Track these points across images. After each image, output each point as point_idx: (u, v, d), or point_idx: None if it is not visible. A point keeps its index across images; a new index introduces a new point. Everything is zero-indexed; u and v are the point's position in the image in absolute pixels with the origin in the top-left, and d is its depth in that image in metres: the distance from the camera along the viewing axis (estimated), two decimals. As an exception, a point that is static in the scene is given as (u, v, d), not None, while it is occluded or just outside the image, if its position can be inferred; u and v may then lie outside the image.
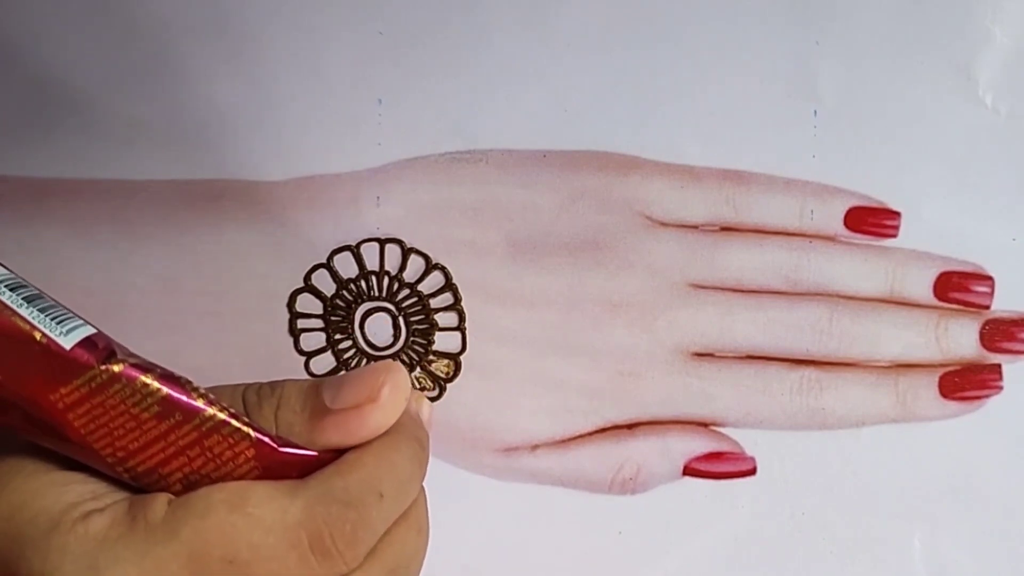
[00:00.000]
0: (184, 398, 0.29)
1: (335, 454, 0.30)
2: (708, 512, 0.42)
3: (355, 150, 0.41)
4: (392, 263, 0.41)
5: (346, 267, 0.41)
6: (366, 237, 0.41)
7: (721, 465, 0.42)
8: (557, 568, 0.42)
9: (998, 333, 0.41)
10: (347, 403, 0.30)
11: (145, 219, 0.41)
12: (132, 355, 0.29)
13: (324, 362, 0.42)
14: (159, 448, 0.28)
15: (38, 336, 0.28)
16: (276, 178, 0.41)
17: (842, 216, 0.41)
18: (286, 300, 0.41)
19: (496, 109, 0.41)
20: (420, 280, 0.41)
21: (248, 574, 0.27)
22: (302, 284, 0.41)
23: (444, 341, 0.42)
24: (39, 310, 0.28)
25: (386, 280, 0.41)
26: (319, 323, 0.42)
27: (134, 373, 0.28)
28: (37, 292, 0.29)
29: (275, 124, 0.41)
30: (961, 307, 0.41)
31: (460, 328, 0.41)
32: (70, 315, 0.29)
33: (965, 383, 0.41)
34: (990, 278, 0.41)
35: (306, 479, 0.29)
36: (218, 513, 0.27)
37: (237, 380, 0.41)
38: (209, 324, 0.41)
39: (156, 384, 0.28)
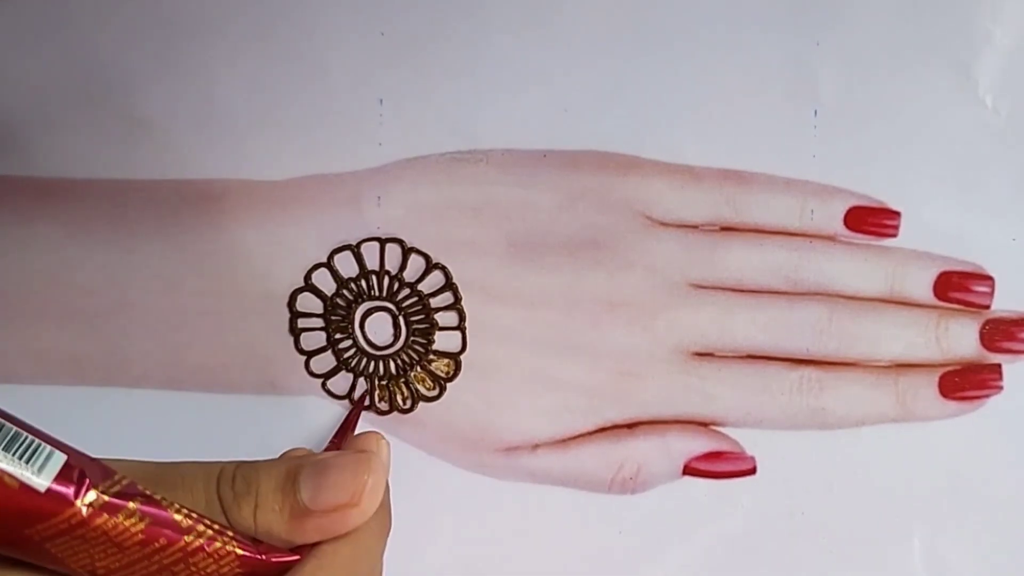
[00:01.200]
0: (168, 521, 0.28)
1: (310, 548, 0.31)
2: (708, 512, 0.41)
3: (356, 150, 0.41)
4: (392, 263, 0.41)
5: (346, 266, 0.41)
6: (366, 236, 0.41)
7: (721, 465, 0.41)
8: (557, 568, 0.42)
9: (998, 333, 0.41)
10: (327, 506, 0.30)
11: (145, 219, 0.41)
12: (109, 476, 0.28)
13: (324, 361, 0.42)
14: (142, 567, 0.28)
15: (7, 480, 0.27)
16: (277, 177, 0.41)
17: (842, 216, 0.41)
18: (286, 299, 0.41)
19: (496, 109, 0.41)
20: (420, 280, 0.41)
21: None
22: (302, 283, 0.41)
23: (444, 341, 0.42)
24: (3, 448, 0.27)
25: (386, 280, 0.41)
26: (319, 322, 0.41)
27: (116, 504, 0.28)
28: (1, 422, 0.28)
29: (276, 124, 0.41)
30: (961, 307, 0.41)
31: (460, 328, 0.41)
32: (39, 444, 0.28)
33: (965, 383, 0.41)
34: (990, 278, 0.41)
35: None
36: None
37: (238, 380, 0.42)
38: (209, 323, 0.41)
39: (138, 514, 0.28)
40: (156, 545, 0.28)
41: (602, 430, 0.41)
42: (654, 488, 0.41)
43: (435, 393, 0.42)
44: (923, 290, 0.41)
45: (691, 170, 0.41)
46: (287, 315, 0.41)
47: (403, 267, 0.41)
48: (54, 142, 0.41)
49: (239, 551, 0.29)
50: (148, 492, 0.29)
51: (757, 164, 0.41)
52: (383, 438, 0.35)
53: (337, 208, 0.41)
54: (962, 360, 0.41)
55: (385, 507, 0.32)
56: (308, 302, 0.41)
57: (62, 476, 0.27)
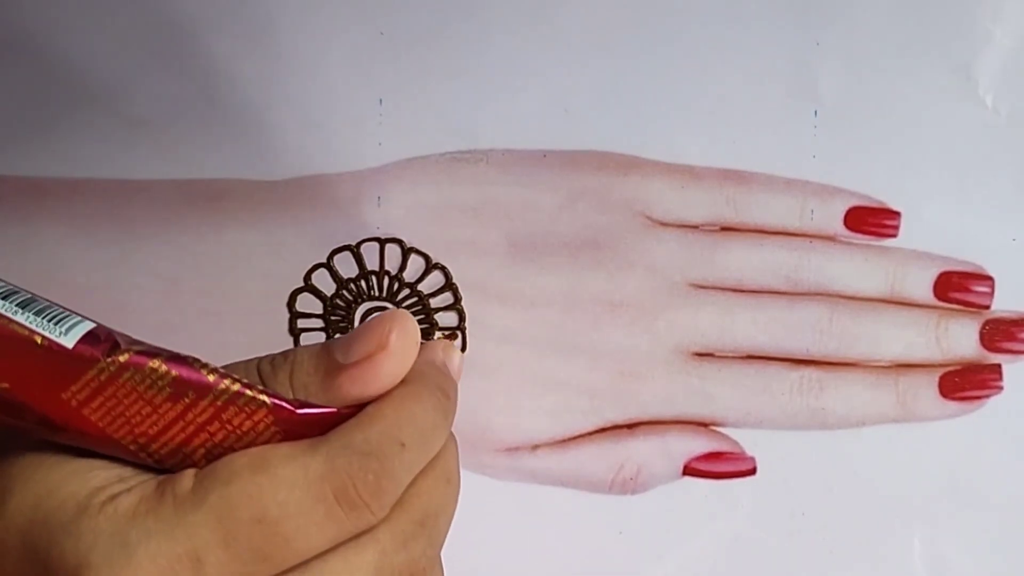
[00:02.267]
0: (195, 376, 0.28)
1: (355, 410, 0.30)
2: (708, 512, 0.41)
3: (356, 150, 0.41)
4: (392, 263, 0.41)
5: (346, 267, 0.41)
6: (366, 237, 0.41)
7: (721, 465, 0.41)
8: (557, 568, 0.42)
9: (998, 333, 0.41)
10: (358, 356, 0.30)
11: (146, 218, 0.41)
12: (136, 342, 0.29)
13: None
14: (179, 428, 0.28)
15: (39, 340, 0.27)
16: (277, 178, 0.41)
17: (842, 216, 0.41)
18: (286, 300, 0.41)
19: (496, 109, 0.40)
20: (420, 280, 0.41)
21: (278, 531, 0.27)
22: (302, 284, 0.41)
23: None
24: (35, 314, 0.28)
25: (386, 280, 0.41)
26: (319, 323, 0.41)
27: (141, 360, 0.28)
28: (30, 296, 0.29)
29: (276, 124, 0.40)
30: (961, 307, 0.41)
31: (460, 328, 0.41)
32: (67, 313, 0.28)
33: (965, 383, 0.41)
34: (990, 278, 0.41)
35: (326, 435, 0.28)
36: (242, 477, 0.27)
37: (237, 380, 0.42)
38: (210, 323, 0.41)
39: (164, 367, 0.28)
40: (186, 401, 0.28)
41: (602, 430, 0.41)
42: (654, 488, 0.41)
43: (435, 393, 0.41)
44: (923, 290, 0.41)
45: (691, 170, 0.41)
46: (287, 315, 0.41)
47: (403, 267, 0.41)
48: (54, 141, 0.41)
49: (270, 401, 0.29)
50: (176, 352, 0.29)
51: (757, 164, 0.40)
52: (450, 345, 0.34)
53: (337, 208, 0.41)
54: (962, 360, 0.41)
55: (442, 389, 0.31)
56: (308, 302, 0.41)
57: (88, 337, 0.28)
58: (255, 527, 0.27)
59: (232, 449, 0.29)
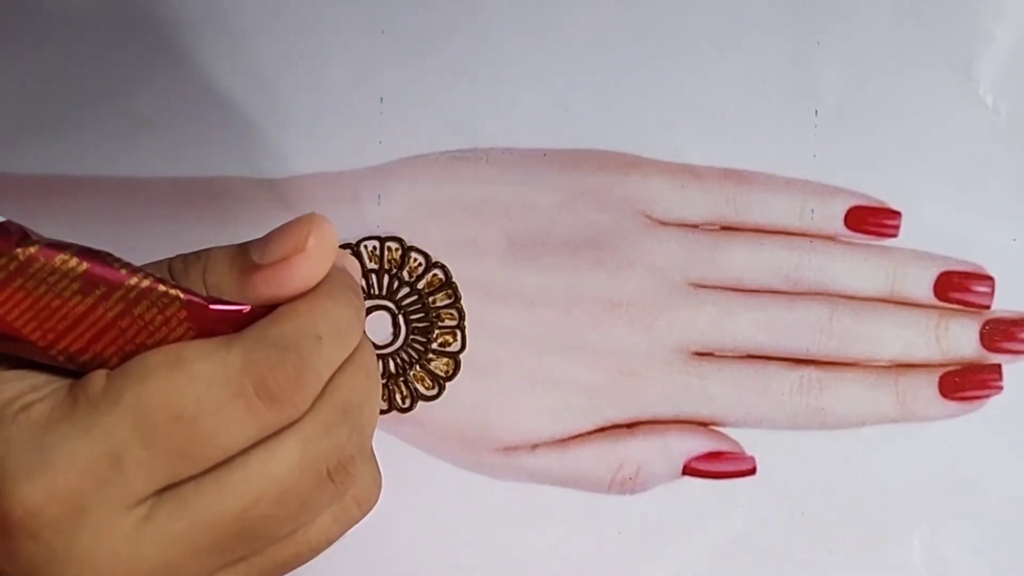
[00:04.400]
0: (106, 270, 0.27)
1: (268, 309, 0.29)
2: (708, 512, 0.41)
3: (356, 148, 0.40)
4: (392, 261, 0.41)
5: (346, 265, 0.41)
6: (366, 235, 0.41)
7: (721, 465, 0.41)
8: (557, 568, 0.42)
9: (998, 333, 0.40)
10: (274, 256, 0.29)
11: (147, 216, 0.41)
12: (48, 239, 0.28)
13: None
14: (88, 324, 0.27)
15: None
16: (278, 176, 0.40)
17: (842, 216, 0.40)
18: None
19: (497, 108, 0.40)
20: (420, 278, 0.41)
21: (197, 428, 0.27)
22: (302, 282, 0.41)
23: (443, 340, 0.41)
24: None
25: (386, 278, 0.41)
26: (319, 321, 0.41)
27: (50, 252, 0.27)
28: None
29: (277, 122, 0.40)
30: (961, 307, 0.40)
31: (460, 327, 0.41)
32: None
33: (965, 383, 0.40)
34: (990, 278, 0.40)
35: (241, 332, 0.28)
36: (157, 374, 0.27)
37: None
38: (209, 321, 0.41)
39: (75, 260, 0.27)
40: (96, 294, 0.27)
41: (602, 430, 0.41)
42: (654, 488, 0.41)
43: (434, 392, 0.41)
44: (923, 290, 0.40)
45: (692, 169, 0.40)
46: (287, 313, 0.41)
47: (402, 266, 0.41)
48: (55, 139, 0.41)
49: (183, 296, 0.28)
50: (87, 247, 0.28)
51: (758, 163, 0.40)
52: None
53: (337, 206, 0.40)
54: (962, 360, 0.40)
55: (352, 287, 0.31)
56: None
57: None
58: (174, 425, 0.26)
59: (144, 346, 0.28)
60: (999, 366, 0.40)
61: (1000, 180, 0.40)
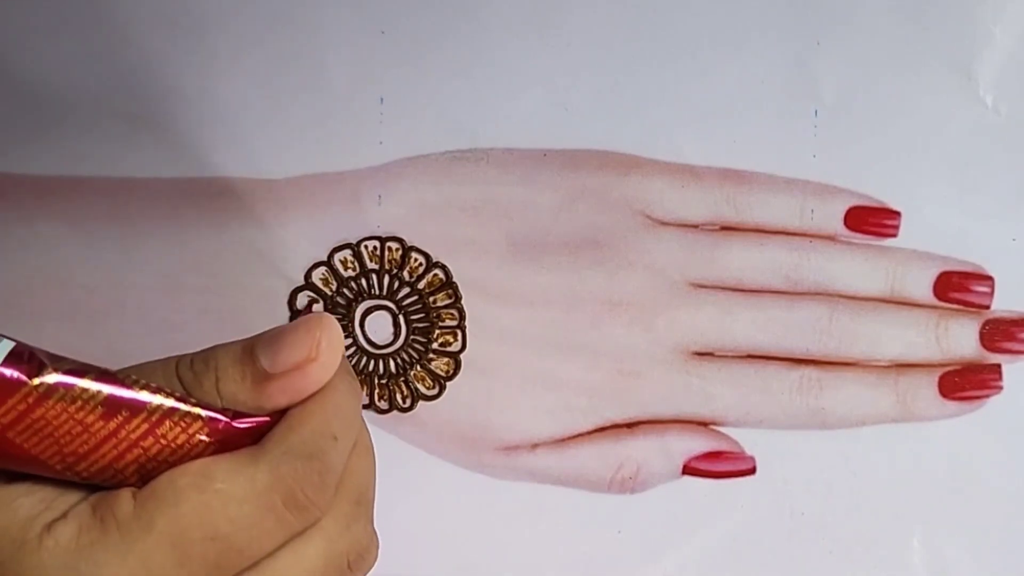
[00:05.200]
0: (127, 393, 0.27)
1: (281, 414, 0.29)
2: (708, 511, 0.41)
3: (357, 148, 0.40)
4: (392, 261, 0.41)
5: (347, 265, 0.41)
6: (367, 235, 0.40)
7: (721, 464, 0.41)
8: (557, 567, 0.41)
9: (998, 333, 0.40)
10: (287, 366, 0.29)
11: (146, 217, 0.40)
12: (61, 359, 0.27)
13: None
14: (111, 446, 0.27)
15: None
16: (277, 176, 0.40)
17: (842, 216, 0.40)
18: (287, 298, 0.41)
19: (497, 108, 0.40)
20: (420, 278, 0.41)
21: (231, 546, 0.27)
22: (302, 282, 0.41)
23: (444, 339, 0.41)
24: None
25: (386, 278, 0.41)
26: (319, 321, 0.41)
27: (70, 380, 0.27)
28: None
29: (277, 122, 0.40)
30: (961, 307, 0.40)
31: (460, 327, 0.41)
32: None
33: (965, 383, 0.40)
34: (990, 278, 0.40)
35: (263, 444, 0.28)
36: (189, 497, 0.27)
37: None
38: (209, 322, 0.41)
39: (95, 386, 0.27)
40: (119, 419, 0.27)
41: (602, 429, 0.41)
42: (654, 488, 0.41)
43: (435, 392, 0.41)
44: (923, 290, 0.40)
45: (691, 169, 0.40)
46: (287, 313, 0.41)
47: (403, 266, 0.41)
48: (55, 140, 0.40)
49: (204, 414, 0.28)
50: (104, 369, 0.27)
51: (757, 163, 0.40)
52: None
53: (337, 206, 0.40)
54: (962, 360, 0.40)
55: (348, 370, 0.31)
56: (308, 300, 0.41)
57: (12, 358, 0.26)
58: (209, 544, 0.27)
59: (166, 463, 0.28)
60: (999, 366, 0.40)
61: (1000, 180, 0.40)
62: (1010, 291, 0.40)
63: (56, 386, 0.26)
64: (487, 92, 0.40)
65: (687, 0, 0.39)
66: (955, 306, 0.40)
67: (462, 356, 0.41)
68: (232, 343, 0.30)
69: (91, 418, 0.27)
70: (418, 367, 0.41)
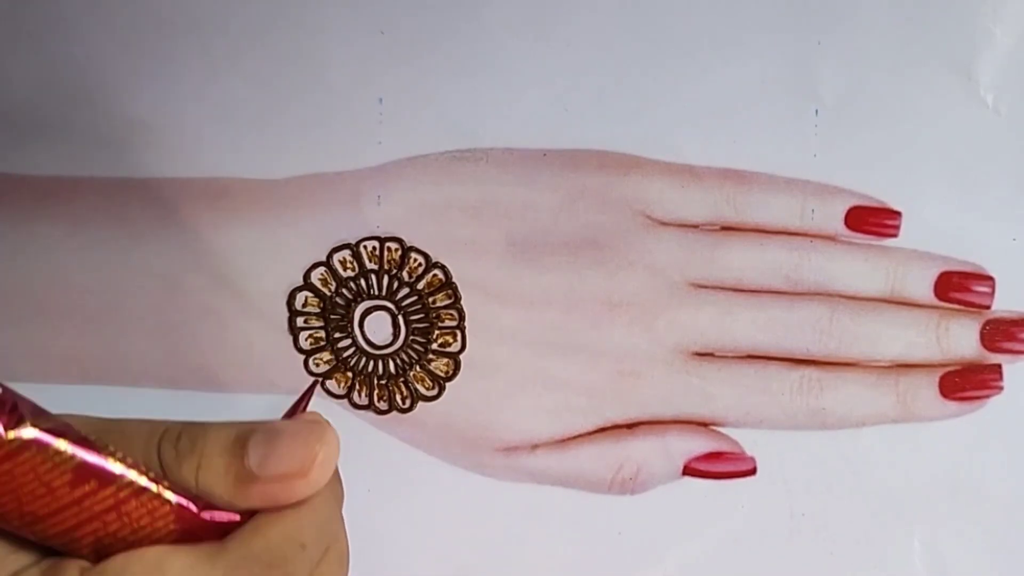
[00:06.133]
0: (100, 463, 0.26)
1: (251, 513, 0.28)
2: (708, 512, 0.40)
3: (356, 149, 0.40)
4: (392, 262, 0.41)
5: (346, 265, 0.41)
6: (366, 235, 0.40)
7: (721, 465, 0.41)
8: (557, 568, 0.41)
9: (999, 333, 0.40)
10: (274, 473, 0.27)
11: (146, 217, 0.40)
12: (41, 413, 0.26)
13: (323, 360, 0.41)
14: (72, 513, 0.26)
15: None
16: (277, 176, 0.40)
17: (843, 216, 0.40)
18: (285, 298, 0.41)
19: (496, 108, 0.39)
20: (420, 279, 0.41)
21: None
22: (301, 282, 0.40)
23: (443, 340, 0.41)
24: None
25: (386, 279, 0.41)
26: (319, 321, 0.41)
27: (46, 439, 0.26)
28: None
29: (276, 122, 0.40)
30: (962, 307, 0.40)
31: (460, 327, 0.41)
32: None
33: (965, 383, 0.40)
34: (991, 278, 0.40)
35: (225, 543, 0.27)
36: None
37: (237, 379, 0.41)
38: (209, 322, 0.40)
39: (70, 450, 0.26)
40: (86, 488, 0.26)
41: (602, 430, 0.41)
42: (654, 488, 0.41)
43: (434, 393, 0.41)
44: (924, 290, 0.40)
45: (692, 169, 0.40)
46: (286, 314, 0.41)
47: (402, 266, 0.41)
48: (53, 141, 0.40)
49: (174, 500, 0.27)
50: (84, 435, 0.26)
51: (758, 163, 0.40)
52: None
53: (337, 207, 0.40)
54: (962, 360, 0.40)
55: (336, 478, 0.30)
56: (307, 301, 0.41)
57: None
58: None
59: (124, 541, 0.27)
60: (999, 366, 0.40)
61: (1000, 180, 0.39)
62: (1010, 291, 0.40)
63: (30, 443, 0.25)
64: (486, 92, 0.40)
65: (687, 1, 0.39)
66: (955, 306, 0.40)
67: (462, 356, 0.41)
68: (225, 426, 0.28)
69: (59, 482, 0.26)
70: (418, 367, 0.41)
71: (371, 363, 0.41)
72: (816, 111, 0.39)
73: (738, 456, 0.40)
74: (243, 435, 0.28)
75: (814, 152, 0.40)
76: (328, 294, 0.40)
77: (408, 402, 0.41)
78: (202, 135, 0.40)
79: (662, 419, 0.40)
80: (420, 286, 0.40)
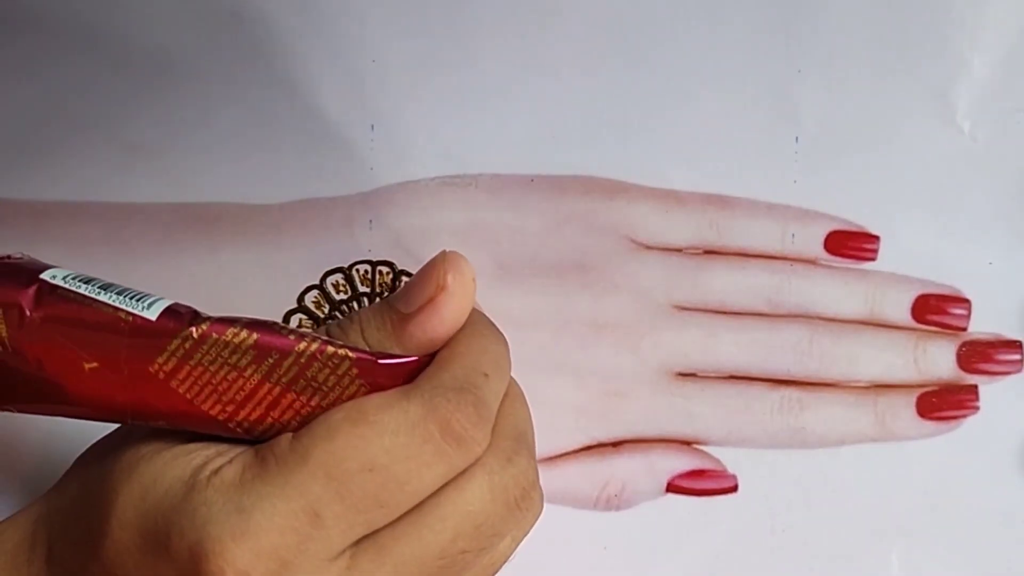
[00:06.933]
0: (276, 338, 0.29)
1: (430, 358, 0.30)
2: (691, 528, 0.41)
3: (348, 174, 0.40)
4: (383, 285, 0.41)
5: (339, 288, 0.41)
6: (358, 259, 0.41)
7: (704, 482, 0.41)
8: (544, 582, 0.42)
9: (975, 354, 0.40)
10: (420, 301, 0.30)
11: (142, 241, 0.41)
12: (217, 316, 0.29)
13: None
14: (265, 392, 0.29)
15: (123, 315, 0.28)
16: (271, 201, 0.40)
17: (823, 240, 0.40)
18: (280, 320, 0.41)
19: (485, 134, 0.40)
20: (411, 301, 0.41)
21: (390, 477, 0.27)
22: (295, 305, 0.41)
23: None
24: (116, 294, 0.29)
25: (377, 301, 0.41)
26: (312, 343, 0.41)
27: (221, 326, 0.28)
28: (107, 282, 0.29)
29: (270, 148, 0.40)
30: (939, 329, 0.40)
31: (450, 348, 0.41)
32: (146, 294, 0.29)
33: (943, 403, 0.40)
34: (967, 301, 0.40)
35: (415, 382, 0.29)
36: (342, 430, 0.28)
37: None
38: (204, 344, 0.41)
39: (244, 332, 0.28)
40: (270, 361, 0.28)
41: (588, 448, 0.41)
42: (638, 505, 0.41)
43: (425, 412, 0.42)
44: (901, 312, 0.41)
45: (675, 194, 0.41)
46: (280, 335, 0.41)
47: (394, 289, 0.41)
48: (53, 165, 0.41)
49: (352, 354, 0.29)
50: (255, 317, 0.29)
51: (740, 189, 0.40)
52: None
53: (330, 231, 0.41)
54: (939, 381, 0.41)
55: (490, 321, 0.32)
56: (301, 323, 0.41)
57: (169, 311, 0.29)
58: (366, 476, 0.27)
59: (321, 408, 0.29)
60: (975, 387, 0.40)
61: (977, 205, 0.40)
62: (986, 313, 0.40)
63: (208, 332, 0.28)
64: (476, 120, 0.40)
65: (671, 30, 0.40)
66: (933, 328, 0.41)
67: (451, 377, 0.41)
68: (377, 303, 0.31)
69: (244, 362, 0.28)
70: (408, 388, 0.41)
71: (363, 383, 0.41)
72: (796, 138, 0.40)
73: (720, 474, 0.41)
74: (388, 298, 0.31)
75: (794, 178, 0.40)
76: (321, 317, 0.41)
77: (399, 421, 0.42)
78: (198, 161, 0.41)
79: (646, 438, 0.41)
80: (411, 308, 0.41)
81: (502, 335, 0.32)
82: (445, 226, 0.41)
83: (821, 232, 0.40)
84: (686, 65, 0.40)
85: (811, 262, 0.40)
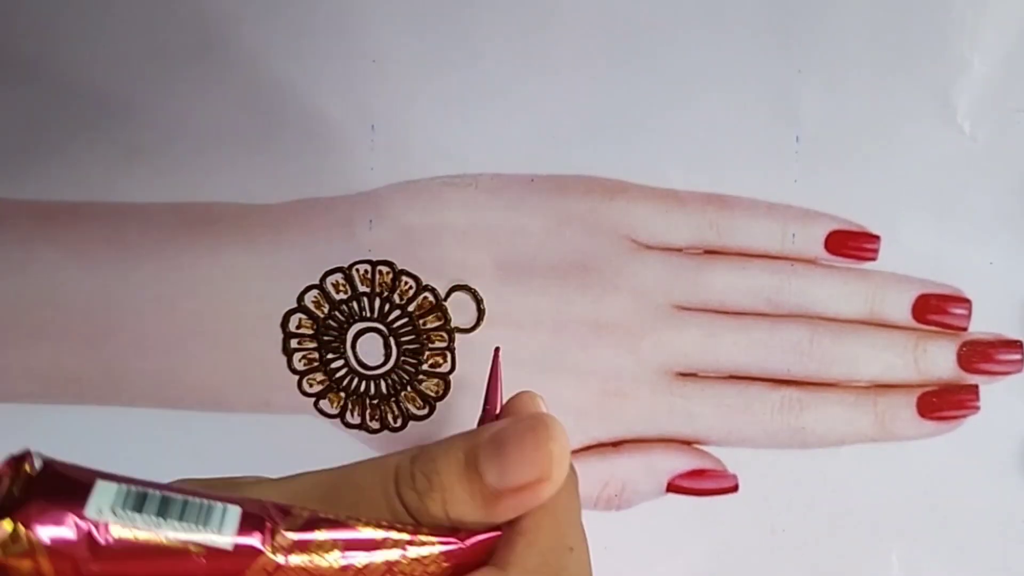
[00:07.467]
0: (360, 542, 0.26)
1: (509, 523, 0.28)
2: (691, 528, 0.41)
3: (349, 174, 0.40)
4: (383, 284, 0.42)
5: (339, 288, 0.42)
6: (358, 259, 0.41)
7: (704, 482, 0.41)
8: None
9: (975, 354, 0.40)
10: (519, 482, 0.28)
11: (143, 241, 0.41)
12: (288, 513, 0.26)
13: (317, 380, 0.42)
14: None
15: (193, 549, 0.24)
16: (271, 201, 0.40)
17: (823, 240, 0.40)
18: (280, 320, 0.41)
19: (486, 134, 0.40)
20: (411, 301, 0.41)
21: None
22: (295, 304, 0.41)
23: (434, 361, 0.42)
24: (178, 519, 0.24)
25: (377, 301, 0.41)
26: (312, 343, 0.42)
27: (304, 540, 0.25)
28: (161, 494, 0.24)
29: (271, 149, 0.40)
30: (939, 329, 0.40)
31: (450, 348, 0.42)
32: (210, 505, 0.25)
33: (943, 403, 0.40)
34: (968, 301, 0.40)
35: (504, 566, 0.27)
36: None
37: (233, 399, 0.41)
38: (205, 344, 0.41)
39: (328, 542, 0.26)
40: (357, 567, 0.26)
41: (588, 448, 0.41)
42: (639, 505, 0.41)
43: (425, 412, 0.42)
44: (902, 312, 0.41)
45: (676, 194, 0.40)
46: (280, 336, 0.41)
47: (394, 288, 0.41)
48: (53, 166, 0.41)
49: (440, 547, 0.27)
50: (331, 516, 0.26)
51: (740, 188, 0.40)
52: (537, 395, 0.32)
53: (330, 231, 0.41)
54: (940, 381, 0.41)
55: (573, 471, 0.30)
56: (301, 323, 0.42)
57: (244, 528, 0.25)
58: None
59: None
60: (976, 387, 0.40)
61: (977, 205, 0.40)
62: (987, 313, 0.40)
63: (290, 551, 0.25)
64: (476, 119, 0.40)
65: (672, 30, 0.39)
66: (933, 328, 0.41)
67: (452, 377, 0.41)
68: (451, 449, 0.28)
69: (330, 572, 0.26)
70: (409, 388, 0.41)
71: (363, 384, 0.41)
72: (797, 138, 0.40)
73: (720, 474, 0.41)
74: (472, 454, 0.28)
75: (795, 178, 0.40)
76: (321, 316, 0.41)
77: (400, 421, 0.42)
78: (199, 160, 0.41)
79: (647, 438, 0.41)
80: (411, 308, 0.41)
81: (576, 479, 0.31)
82: (445, 226, 0.41)
83: (821, 232, 0.40)
84: (686, 65, 0.39)
85: (811, 262, 0.40)
